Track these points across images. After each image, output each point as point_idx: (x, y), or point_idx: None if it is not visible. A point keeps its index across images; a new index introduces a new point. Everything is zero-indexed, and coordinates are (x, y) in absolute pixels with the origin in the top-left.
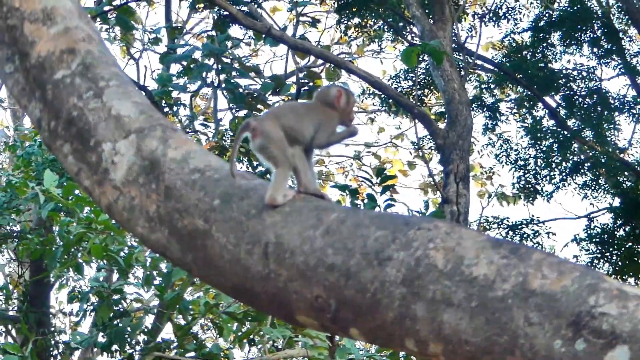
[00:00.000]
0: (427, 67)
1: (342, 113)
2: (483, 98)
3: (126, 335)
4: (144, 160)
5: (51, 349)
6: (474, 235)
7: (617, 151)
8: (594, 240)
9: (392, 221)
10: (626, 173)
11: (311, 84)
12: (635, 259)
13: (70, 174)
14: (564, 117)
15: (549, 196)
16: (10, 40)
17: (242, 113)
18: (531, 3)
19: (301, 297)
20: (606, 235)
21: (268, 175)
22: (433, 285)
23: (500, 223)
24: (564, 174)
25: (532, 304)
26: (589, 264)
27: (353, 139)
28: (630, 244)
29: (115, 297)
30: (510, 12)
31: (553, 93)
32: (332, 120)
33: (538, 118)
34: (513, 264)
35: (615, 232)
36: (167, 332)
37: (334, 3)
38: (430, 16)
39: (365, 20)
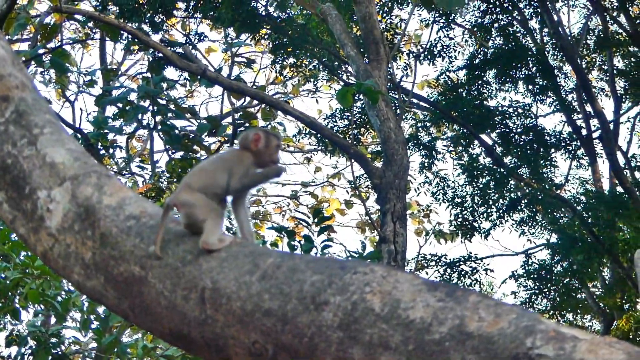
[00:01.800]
0: (363, 106)
1: (263, 155)
2: (419, 136)
3: None
4: (79, 207)
5: None
6: (410, 278)
7: (554, 187)
8: (531, 276)
9: (328, 265)
10: (563, 209)
11: (247, 124)
12: (573, 294)
13: (5, 221)
14: (500, 154)
15: (486, 233)
16: None
17: (178, 154)
18: (466, 41)
19: (238, 343)
20: (544, 272)
21: None
22: (370, 329)
23: (438, 261)
24: (500, 211)
25: (469, 346)
26: (527, 300)
27: (289, 178)
28: (567, 279)
29: (53, 340)
30: (445, 50)
31: (489, 130)
32: (244, 164)
33: (474, 156)
34: (449, 307)
35: (553, 268)
36: None
37: (269, 44)
38: (365, 55)
39: (300, 60)
